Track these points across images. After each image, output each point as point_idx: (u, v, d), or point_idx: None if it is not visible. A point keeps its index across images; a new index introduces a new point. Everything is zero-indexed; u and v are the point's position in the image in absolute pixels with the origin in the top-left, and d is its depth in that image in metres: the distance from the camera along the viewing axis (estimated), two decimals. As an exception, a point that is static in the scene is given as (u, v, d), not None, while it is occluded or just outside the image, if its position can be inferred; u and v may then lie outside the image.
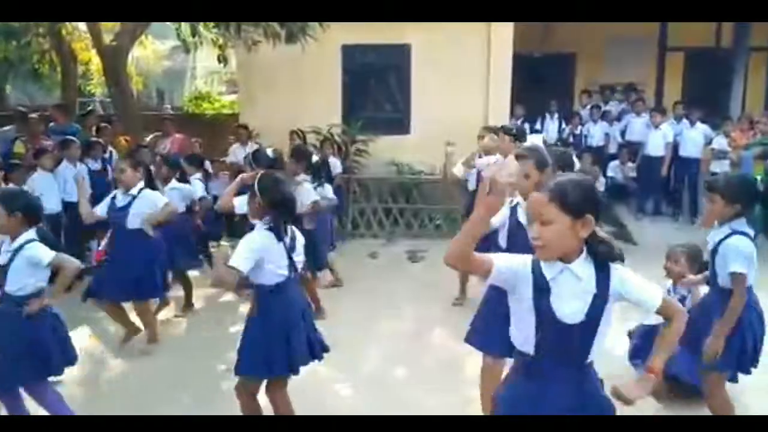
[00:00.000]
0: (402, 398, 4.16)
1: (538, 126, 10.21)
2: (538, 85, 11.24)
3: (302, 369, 3.35)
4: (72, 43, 11.44)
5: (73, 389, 4.24)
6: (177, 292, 5.83)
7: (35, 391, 3.47)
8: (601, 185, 8.81)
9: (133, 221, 4.76)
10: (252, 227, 3.33)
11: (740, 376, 3.36)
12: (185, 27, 9.93)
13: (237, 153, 8.41)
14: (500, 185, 1.96)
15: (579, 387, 2.08)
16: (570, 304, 2.00)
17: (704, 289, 3.77)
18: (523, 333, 2.07)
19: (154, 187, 5.05)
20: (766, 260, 3.67)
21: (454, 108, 8.87)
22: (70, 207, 6.36)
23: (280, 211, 3.23)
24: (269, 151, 5.03)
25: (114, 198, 4.87)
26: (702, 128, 9.11)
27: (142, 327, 5.01)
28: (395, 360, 4.82)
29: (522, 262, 2.06)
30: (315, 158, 6.38)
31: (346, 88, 9.57)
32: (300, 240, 3.40)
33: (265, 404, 3.43)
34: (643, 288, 2.09)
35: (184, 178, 5.95)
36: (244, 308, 3.37)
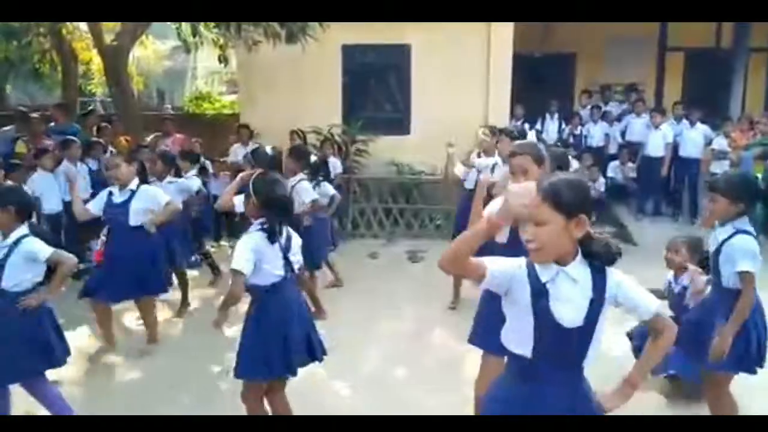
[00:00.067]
0: (402, 398, 4.16)
1: (538, 126, 10.21)
2: (538, 85, 11.23)
3: (302, 369, 3.35)
4: (73, 42, 11.44)
5: (72, 389, 4.25)
6: (174, 293, 5.81)
7: (36, 388, 3.48)
8: (601, 185, 8.82)
9: (135, 218, 4.71)
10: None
11: (741, 376, 3.35)
12: (186, 27, 9.93)
13: (238, 153, 8.41)
14: (513, 210, 1.92)
15: (574, 390, 2.07)
16: (568, 308, 1.98)
17: (705, 279, 3.74)
18: (518, 336, 2.05)
19: (147, 183, 5.00)
20: (767, 260, 3.66)
21: (454, 108, 8.87)
22: (70, 207, 6.35)
23: (274, 211, 3.23)
24: (268, 149, 5.03)
25: (111, 194, 4.79)
26: (702, 129, 9.11)
27: (112, 342, 4.95)
28: (395, 360, 4.82)
29: (516, 265, 2.04)
30: (313, 158, 6.38)
31: (346, 88, 9.58)
32: (296, 240, 3.39)
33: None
34: (639, 294, 2.07)
35: (179, 175, 5.88)
36: (243, 308, 3.36)
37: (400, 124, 9.57)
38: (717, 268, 3.32)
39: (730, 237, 3.22)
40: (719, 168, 8.23)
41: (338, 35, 8.39)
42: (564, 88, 11.84)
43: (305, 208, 5.23)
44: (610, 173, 9.57)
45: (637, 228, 8.66)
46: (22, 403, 3.64)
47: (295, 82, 9.20)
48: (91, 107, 13.17)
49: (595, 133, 10.03)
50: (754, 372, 3.32)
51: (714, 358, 3.21)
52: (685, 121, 9.21)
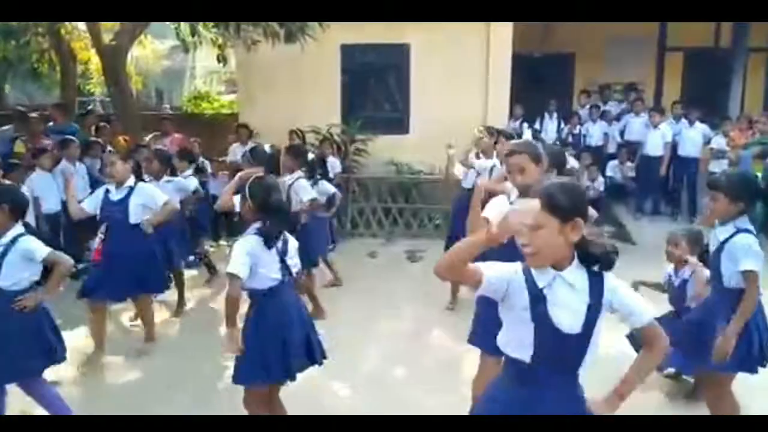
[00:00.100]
0: (401, 398, 4.16)
1: (537, 126, 10.22)
2: (538, 85, 11.23)
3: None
4: (71, 42, 11.42)
5: (70, 389, 4.24)
6: (171, 293, 5.81)
7: (33, 388, 3.47)
8: (600, 185, 8.82)
9: (135, 215, 4.67)
10: None
11: (742, 375, 3.34)
12: (184, 27, 9.91)
13: (237, 152, 8.38)
14: (513, 228, 1.90)
15: (572, 393, 2.07)
16: (566, 314, 1.97)
17: (707, 272, 3.73)
18: (516, 341, 2.04)
19: (143, 182, 4.97)
20: (767, 260, 3.66)
21: (453, 108, 8.86)
22: (69, 206, 6.35)
23: (269, 216, 3.22)
24: (267, 147, 5.02)
25: (107, 192, 4.74)
26: (701, 128, 9.12)
27: (102, 346, 4.83)
28: (394, 360, 4.81)
29: (512, 269, 2.04)
30: (311, 155, 6.36)
31: (345, 88, 9.57)
32: (292, 243, 3.37)
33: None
34: (634, 301, 2.06)
35: (174, 174, 5.84)
36: (242, 309, 3.35)
37: (399, 124, 9.56)
38: (718, 268, 3.29)
39: (731, 236, 3.20)
40: (718, 167, 8.24)
41: (337, 35, 8.37)
42: (563, 88, 11.84)
43: (303, 206, 5.22)
44: (609, 172, 9.57)
45: (635, 227, 8.66)
46: (18, 402, 3.63)
47: (294, 81, 9.20)
48: (90, 107, 13.16)
49: (594, 133, 10.03)
50: (755, 371, 3.32)
51: (718, 358, 3.19)
52: (684, 121, 9.22)
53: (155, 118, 10.41)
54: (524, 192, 2.92)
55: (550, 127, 10.27)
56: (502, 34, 9.01)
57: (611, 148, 9.97)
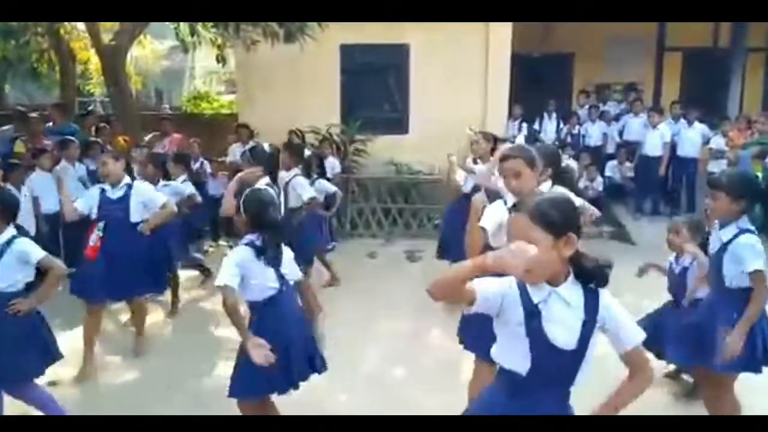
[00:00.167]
0: (401, 398, 4.16)
1: (536, 126, 10.23)
2: (537, 85, 11.24)
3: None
4: (71, 42, 11.44)
5: (67, 389, 4.23)
6: (165, 295, 5.81)
7: (25, 392, 3.46)
8: (599, 185, 8.83)
9: (136, 213, 4.63)
10: None
11: (744, 375, 3.34)
12: (184, 27, 9.93)
13: (236, 152, 8.38)
14: (508, 267, 1.84)
15: (564, 405, 2.07)
16: (561, 330, 1.96)
17: (707, 261, 3.72)
18: (511, 355, 2.03)
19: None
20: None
21: (452, 108, 8.86)
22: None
23: (263, 231, 3.20)
24: (266, 146, 5.02)
25: (103, 191, 4.65)
26: (700, 128, 9.13)
27: (92, 350, 4.65)
28: (394, 360, 4.81)
29: (506, 284, 2.01)
30: (307, 153, 6.35)
31: (344, 88, 9.57)
32: (287, 254, 3.32)
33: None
34: (626, 321, 2.04)
35: (167, 178, 5.80)
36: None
37: (398, 124, 9.56)
38: (719, 269, 3.27)
39: (735, 236, 3.19)
40: (717, 167, 8.25)
41: (337, 35, 8.38)
42: (563, 88, 11.86)
43: (303, 205, 5.23)
44: (607, 173, 9.58)
45: (635, 227, 8.67)
46: (18, 402, 3.62)
47: (294, 81, 9.19)
48: (91, 107, 13.17)
49: (593, 133, 10.04)
50: (760, 371, 3.31)
51: (725, 358, 3.17)
52: (682, 121, 9.23)
53: (155, 119, 10.41)
54: (519, 196, 2.90)
55: (549, 127, 10.27)
56: (501, 34, 9.02)
57: (610, 149, 9.97)
